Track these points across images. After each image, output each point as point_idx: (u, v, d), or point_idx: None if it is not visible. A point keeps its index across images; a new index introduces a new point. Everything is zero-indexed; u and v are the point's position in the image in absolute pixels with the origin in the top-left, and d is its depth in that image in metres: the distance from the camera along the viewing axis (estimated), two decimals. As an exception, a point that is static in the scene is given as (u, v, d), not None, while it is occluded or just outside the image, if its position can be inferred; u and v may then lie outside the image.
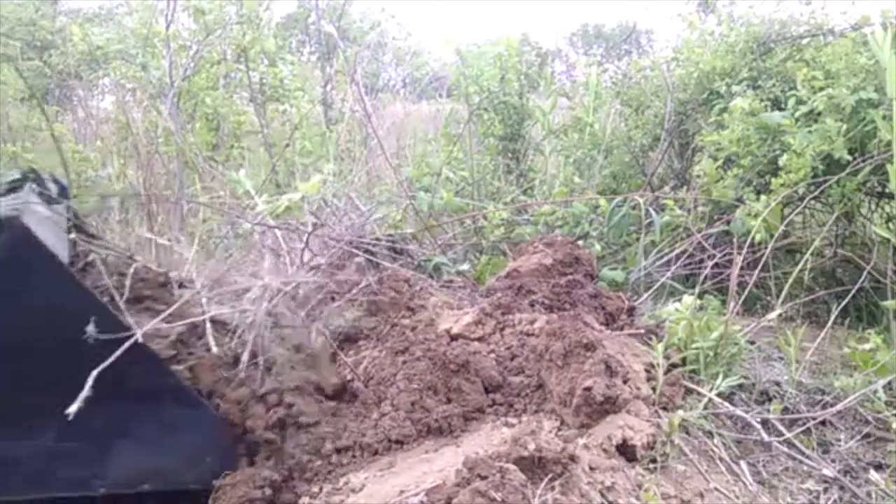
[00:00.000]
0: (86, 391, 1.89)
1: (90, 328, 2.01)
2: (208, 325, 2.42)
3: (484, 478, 1.73)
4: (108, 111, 6.37)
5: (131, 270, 2.54)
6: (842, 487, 2.18)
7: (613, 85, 5.37)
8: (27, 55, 6.10)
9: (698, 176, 3.91)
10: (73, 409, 1.85)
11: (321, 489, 2.11)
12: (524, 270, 3.15)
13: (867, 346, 2.68)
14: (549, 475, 1.82)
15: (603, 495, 1.86)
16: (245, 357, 2.37)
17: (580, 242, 3.77)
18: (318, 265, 2.88)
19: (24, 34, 6.29)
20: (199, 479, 2.20)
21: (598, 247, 3.81)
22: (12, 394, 2.04)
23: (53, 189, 2.71)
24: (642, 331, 2.81)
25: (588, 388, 2.15)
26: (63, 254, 2.29)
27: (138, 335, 2.08)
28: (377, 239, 3.41)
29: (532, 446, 1.85)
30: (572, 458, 1.87)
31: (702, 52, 4.58)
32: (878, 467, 2.31)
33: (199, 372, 2.35)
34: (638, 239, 3.90)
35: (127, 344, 2.03)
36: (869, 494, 2.17)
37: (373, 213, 3.70)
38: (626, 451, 2.09)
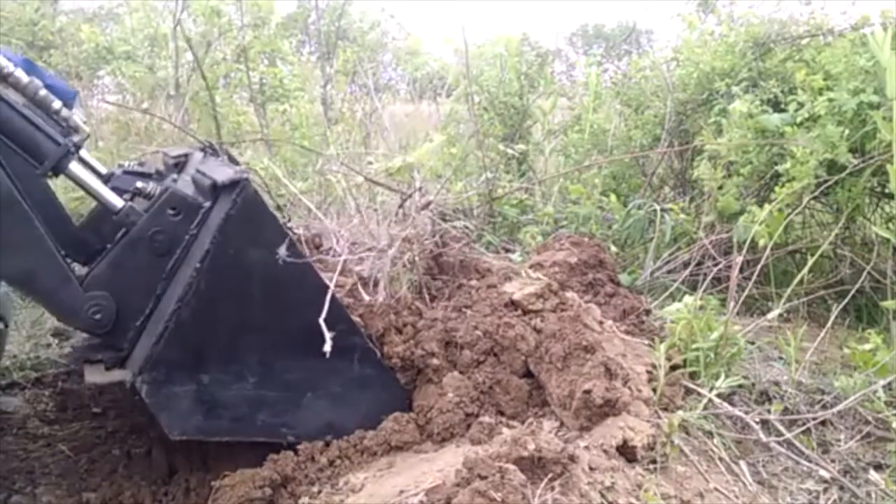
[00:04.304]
0: (328, 335, 2.07)
1: (282, 250, 2.16)
2: (356, 278, 2.61)
3: (484, 478, 1.73)
4: (108, 111, 6.36)
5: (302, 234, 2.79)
6: (842, 487, 2.18)
7: (613, 85, 5.37)
8: (27, 55, 6.09)
9: (698, 180, 3.92)
10: (327, 347, 2.05)
11: (321, 490, 2.11)
12: (548, 265, 3.17)
13: (867, 346, 2.68)
14: (549, 475, 1.82)
15: (603, 495, 1.86)
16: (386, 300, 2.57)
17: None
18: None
19: (25, 34, 6.28)
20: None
21: (613, 248, 3.82)
22: (229, 340, 2.21)
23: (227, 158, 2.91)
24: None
25: (588, 392, 2.15)
26: None
27: (331, 288, 2.25)
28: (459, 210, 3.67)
29: (532, 446, 1.85)
30: (572, 459, 1.87)
31: (702, 52, 4.57)
32: (878, 467, 2.31)
33: (368, 319, 2.49)
34: (644, 242, 3.92)
35: (328, 297, 2.19)
36: (869, 494, 2.17)
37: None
38: (626, 451, 2.09)
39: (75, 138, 2.28)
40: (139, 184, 2.33)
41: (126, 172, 2.67)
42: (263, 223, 2.20)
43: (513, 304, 2.71)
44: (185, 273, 2.14)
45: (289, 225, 2.96)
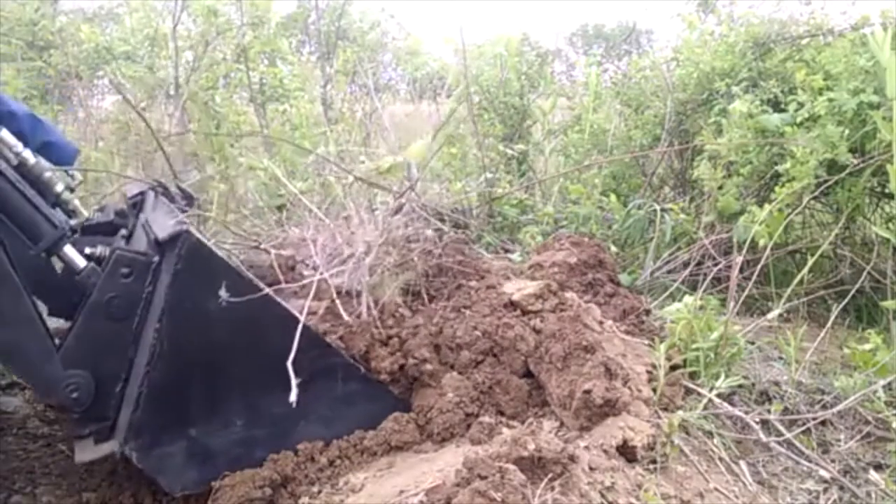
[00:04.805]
0: (294, 380, 2.03)
1: (222, 292, 2.13)
2: (334, 294, 2.56)
3: (484, 478, 1.73)
4: (108, 111, 6.36)
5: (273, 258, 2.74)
6: (842, 487, 2.18)
7: (613, 85, 5.37)
8: (27, 55, 6.09)
9: (698, 180, 3.92)
10: (293, 397, 2.00)
11: (321, 490, 2.12)
12: (548, 266, 3.17)
13: (867, 346, 2.68)
14: (549, 475, 1.82)
15: (603, 495, 1.86)
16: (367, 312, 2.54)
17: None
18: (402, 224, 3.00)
19: (25, 34, 6.28)
20: None
21: (613, 248, 3.83)
22: (207, 390, 2.20)
23: (182, 199, 2.87)
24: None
25: (588, 392, 2.15)
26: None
27: (302, 319, 2.22)
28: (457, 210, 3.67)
29: (532, 446, 1.85)
30: (572, 459, 1.87)
31: (702, 52, 4.58)
32: (878, 467, 2.31)
33: (348, 339, 2.47)
34: (644, 242, 3.92)
35: (299, 330, 2.17)
36: (869, 494, 2.17)
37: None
38: (626, 451, 2.09)
39: (73, 221, 2.34)
40: (87, 249, 2.29)
41: (85, 230, 2.65)
42: (213, 270, 2.14)
43: (512, 305, 2.71)
44: (149, 334, 2.11)
45: (262, 247, 2.91)
